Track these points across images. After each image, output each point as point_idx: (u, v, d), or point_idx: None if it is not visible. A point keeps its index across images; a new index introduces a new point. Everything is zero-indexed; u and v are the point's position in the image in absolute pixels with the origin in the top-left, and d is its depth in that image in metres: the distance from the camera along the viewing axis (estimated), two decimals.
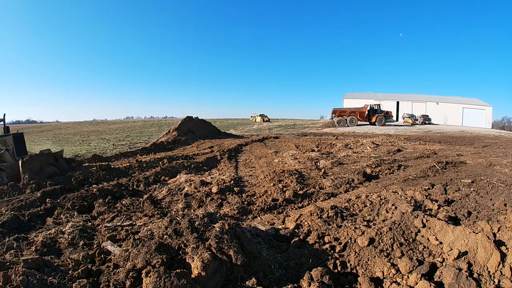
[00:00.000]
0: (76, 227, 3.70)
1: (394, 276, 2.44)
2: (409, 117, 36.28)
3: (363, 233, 3.02)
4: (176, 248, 2.42)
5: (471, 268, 2.36)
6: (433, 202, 4.58)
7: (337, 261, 2.71)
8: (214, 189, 5.70)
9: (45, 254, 2.96)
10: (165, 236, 2.52)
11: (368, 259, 2.68)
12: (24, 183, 6.26)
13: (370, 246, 2.82)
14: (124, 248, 2.56)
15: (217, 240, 2.42)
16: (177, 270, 2.07)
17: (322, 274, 2.38)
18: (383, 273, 2.50)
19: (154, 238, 2.54)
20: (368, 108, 30.82)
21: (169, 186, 6.37)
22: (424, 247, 2.83)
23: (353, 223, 3.54)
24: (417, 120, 35.68)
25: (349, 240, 3.00)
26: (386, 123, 30.60)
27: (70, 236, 3.47)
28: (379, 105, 31.75)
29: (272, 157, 10.15)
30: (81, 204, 5.04)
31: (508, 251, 2.40)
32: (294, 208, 4.91)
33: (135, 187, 6.35)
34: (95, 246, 3.08)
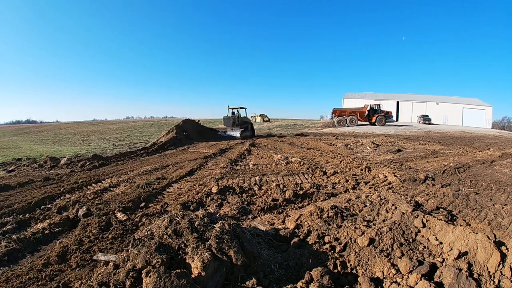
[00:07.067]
0: None
1: (394, 276, 2.44)
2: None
3: (363, 233, 3.02)
4: (176, 248, 2.42)
5: (471, 268, 2.36)
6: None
7: (337, 261, 2.71)
8: (214, 189, 5.70)
9: None
10: (165, 236, 2.52)
11: (368, 259, 2.68)
12: None
13: (370, 246, 2.82)
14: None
15: (217, 240, 2.42)
16: (177, 270, 2.07)
17: (322, 274, 2.38)
18: (383, 273, 2.50)
19: (154, 238, 2.54)
20: (368, 108, 30.82)
21: None
22: (424, 247, 2.83)
23: (353, 223, 3.54)
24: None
25: (349, 240, 3.00)
26: (386, 123, 30.59)
27: None
28: (379, 105, 31.74)
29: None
30: None
31: (508, 251, 2.40)
32: (294, 208, 4.91)
33: None
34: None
